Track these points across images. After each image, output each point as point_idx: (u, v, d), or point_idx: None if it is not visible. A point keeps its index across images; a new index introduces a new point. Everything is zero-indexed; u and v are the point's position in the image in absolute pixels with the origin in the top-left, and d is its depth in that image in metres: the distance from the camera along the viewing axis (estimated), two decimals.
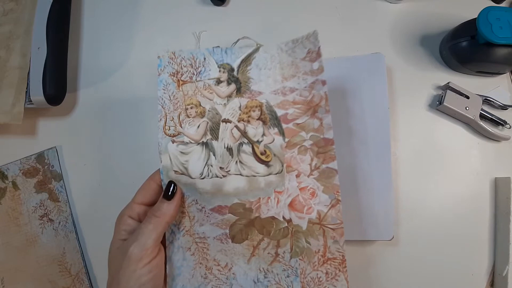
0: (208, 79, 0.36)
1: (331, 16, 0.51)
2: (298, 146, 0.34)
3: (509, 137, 0.46)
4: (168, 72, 0.37)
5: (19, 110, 0.45)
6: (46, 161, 0.48)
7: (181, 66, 0.37)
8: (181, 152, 0.35)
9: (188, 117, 0.36)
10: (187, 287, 0.34)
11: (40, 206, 0.47)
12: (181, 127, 0.36)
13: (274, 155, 0.35)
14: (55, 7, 0.48)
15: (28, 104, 0.45)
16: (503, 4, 0.51)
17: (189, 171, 0.35)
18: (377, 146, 0.43)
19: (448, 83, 0.47)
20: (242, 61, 0.36)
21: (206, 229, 0.35)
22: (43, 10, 0.47)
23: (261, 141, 0.35)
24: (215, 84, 0.36)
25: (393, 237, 0.42)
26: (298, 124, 0.35)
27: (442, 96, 0.46)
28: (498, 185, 0.46)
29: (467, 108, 0.46)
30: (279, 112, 0.35)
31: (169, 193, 0.33)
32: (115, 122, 0.50)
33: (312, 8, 0.52)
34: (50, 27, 0.47)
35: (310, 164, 0.34)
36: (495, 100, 0.47)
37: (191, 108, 0.36)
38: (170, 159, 0.35)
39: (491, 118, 0.46)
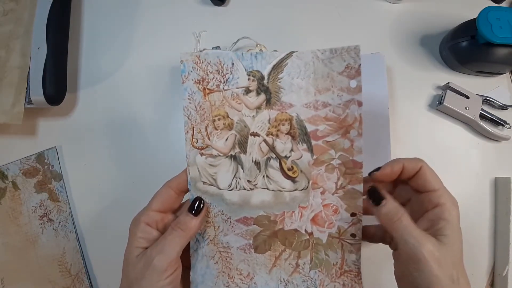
0: (237, 88, 0.34)
1: (331, 16, 0.51)
2: (326, 164, 0.34)
3: (509, 137, 0.46)
4: (193, 79, 0.34)
5: (19, 110, 0.45)
6: (46, 161, 0.48)
7: (207, 73, 0.34)
8: (210, 165, 0.35)
9: (216, 129, 0.34)
10: None
11: (40, 206, 0.47)
12: (209, 139, 0.35)
13: (301, 171, 0.34)
14: (55, 7, 0.48)
15: (28, 104, 0.45)
16: (503, 4, 0.51)
17: (218, 182, 0.35)
18: (377, 146, 0.43)
19: (448, 83, 0.47)
20: (273, 68, 0.34)
21: (230, 239, 0.35)
22: (43, 10, 0.47)
23: (289, 156, 0.34)
24: (243, 94, 0.34)
25: None
26: (328, 142, 0.34)
27: (442, 96, 0.46)
28: (498, 185, 0.46)
29: (467, 108, 0.46)
30: (309, 128, 0.34)
31: (197, 209, 0.33)
32: (115, 122, 0.50)
33: (312, 8, 0.52)
34: (50, 27, 0.47)
35: (336, 183, 0.34)
36: (495, 100, 0.47)
37: (219, 119, 0.34)
38: (199, 171, 0.35)
39: (491, 118, 0.46)
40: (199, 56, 0.34)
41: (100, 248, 0.47)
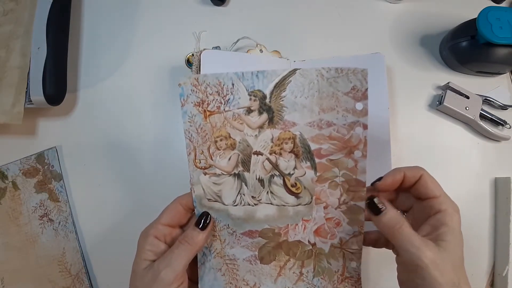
0: (238, 108, 0.34)
1: (331, 16, 0.51)
2: (329, 181, 0.34)
3: (509, 137, 0.46)
4: (192, 102, 0.34)
5: (19, 110, 0.45)
6: (46, 161, 0.48)
7: (206, 95, 0.34)
8: (214, 183, 0.35)
9: (218, 149, 0.34)
10: None
11: (40, 206, 0.47)
12: (212, 160, 0.35)
13: (304, 187, 0.34)
14: (55, 7, 0.48)
15: (28, 104, 0.45)
16: (503, 4, 0.51)
17: (223, 198, 0.35)
18: (377, 146, 0.43)
19: (448, 83, 0.47)
20: (275, 86, 0.33)
21: (236, 251, 0.35)
22: (43, 10, 0.47)
23: (292, 174, 0.34)
24: (245, 114, 0.34)
25: None
26: (331, 160, 0.33)
27: (442, 96, 0.46)
28: (498, 185, 0.46)
29: (467, 108, 0.46)
30: (313, 146, 0.33)
31: (204, 224, 0.34)
32: (115, 122, 0.50)
33: (312, 8, 0.52)
34: (50, 27, 0.47)
35: (339, 199, 0.34)
36: (495, 100, 0.47)
37: (221, 140, 0.34)
38: (203, 189, 0.35)
39: (491, 118, 0.46)
40: (197, 79, 0.34)
41: (100, 248, 0.47)
